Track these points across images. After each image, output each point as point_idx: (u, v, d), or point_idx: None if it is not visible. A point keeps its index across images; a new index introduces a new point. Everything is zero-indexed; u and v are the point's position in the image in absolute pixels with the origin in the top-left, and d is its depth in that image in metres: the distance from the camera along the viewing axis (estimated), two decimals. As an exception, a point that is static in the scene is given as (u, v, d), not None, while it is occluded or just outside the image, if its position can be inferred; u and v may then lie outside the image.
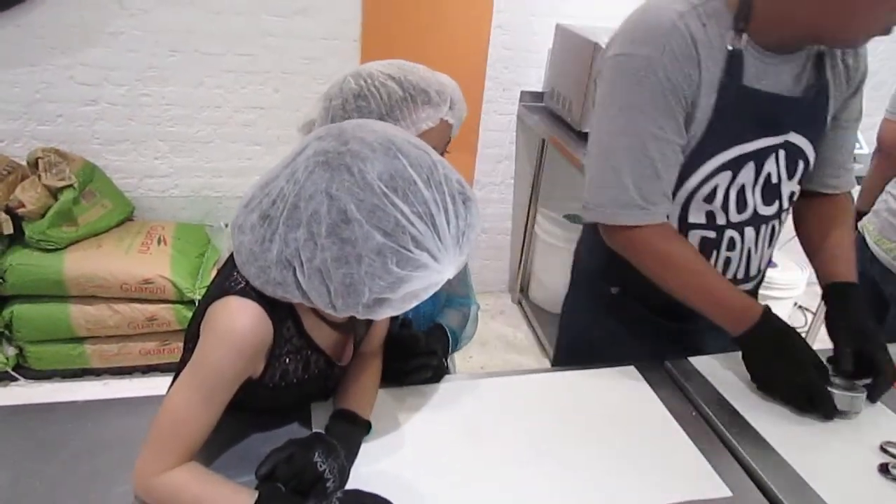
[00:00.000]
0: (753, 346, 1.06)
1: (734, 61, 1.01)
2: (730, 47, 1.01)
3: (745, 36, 1.01)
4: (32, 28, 2.28)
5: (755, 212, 1.13)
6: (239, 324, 0.78)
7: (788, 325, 1.06)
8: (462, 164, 2.87)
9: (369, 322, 1.00)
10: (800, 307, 3.29)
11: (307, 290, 0.73)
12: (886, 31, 0.97)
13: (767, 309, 1.05)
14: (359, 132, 0.74)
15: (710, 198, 1.10)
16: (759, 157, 1.08)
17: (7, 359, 2.28)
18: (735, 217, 1.12)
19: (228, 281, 0.81)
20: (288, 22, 2.48)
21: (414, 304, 0.74)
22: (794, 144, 1.10)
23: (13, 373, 2.32)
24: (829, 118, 1.13)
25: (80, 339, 2.31)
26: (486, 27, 2.66)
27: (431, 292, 0.74)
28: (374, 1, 2.51)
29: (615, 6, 2.75)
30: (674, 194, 1.09)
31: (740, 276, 1.20)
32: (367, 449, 0.91)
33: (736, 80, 1.02)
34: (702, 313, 1.09)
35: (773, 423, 1.03)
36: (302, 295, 0.74)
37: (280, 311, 0.81)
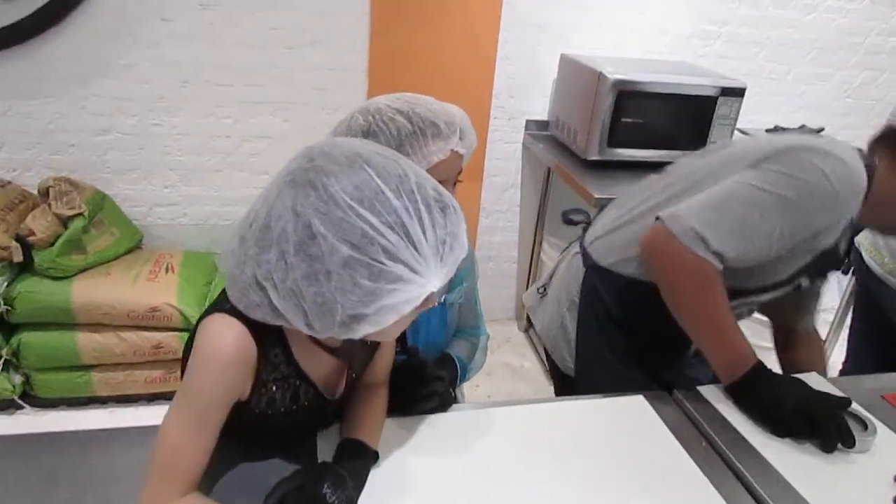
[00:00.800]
0: (745, 390, 1.10)
1: (849, 229, 1.16)
2: (853, 219, 1.13)
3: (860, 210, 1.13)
4: (48, 60, 2.33)
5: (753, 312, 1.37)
6: (220, 341, 0.77)
7: (777, 374, 1.12)
8: (468, 192, 2.89)
9: (371, 353, 0.99)
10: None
11: (283, 312, 0.71)
12: None
13: (761, 362, 1.11)
14: (326, 148, 0.73)
15: (750, 307, 1.32)
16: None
17: (14, 387, 2.28)
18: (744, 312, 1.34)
19: (220, 301, 0.80)
20: (297, 54, 2.52)
21: (394, 318, 0.71)
22: (800, 285, 1.26)
23: (19, 401, 2.32)
24: None
25: (86, 367, 2.31)
26: (492, 57, 2.70)
27: (413, 306, 0.71)
28: (381, 33, 2.55)
29: (618, 37, 2.80)
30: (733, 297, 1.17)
31: None
32: (374, 478, 0.91)
33: (839, 243, 1.16)
34: (703, 348, 1.14)
35: (784, 453, 1.02)
36: (279, 317, 0.72)
37: (268, 335, 0.80)
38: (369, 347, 0.98)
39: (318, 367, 0.90)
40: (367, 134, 0.99)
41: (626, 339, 1.32)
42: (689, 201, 1.13)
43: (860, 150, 1.15)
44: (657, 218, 1.14)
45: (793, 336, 1.42)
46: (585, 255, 1.36)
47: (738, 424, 1.08)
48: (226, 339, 0.77)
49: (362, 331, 0.71)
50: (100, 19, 2.31)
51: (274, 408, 0.87)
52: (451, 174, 1.06)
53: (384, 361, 1.02)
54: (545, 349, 1.50)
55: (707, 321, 1.13)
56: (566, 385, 1.45)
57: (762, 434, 1.06)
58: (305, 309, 0.70)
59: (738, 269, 1.13)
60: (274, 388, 0.86)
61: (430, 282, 0.71)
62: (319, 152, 0.73)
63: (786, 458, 1.01)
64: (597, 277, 1.32)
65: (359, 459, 0.89)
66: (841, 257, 1.23)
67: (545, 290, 1.52)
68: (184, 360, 0.87)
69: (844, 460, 1.01)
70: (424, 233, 0.70)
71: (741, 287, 1.19)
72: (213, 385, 0.78)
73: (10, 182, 2.38)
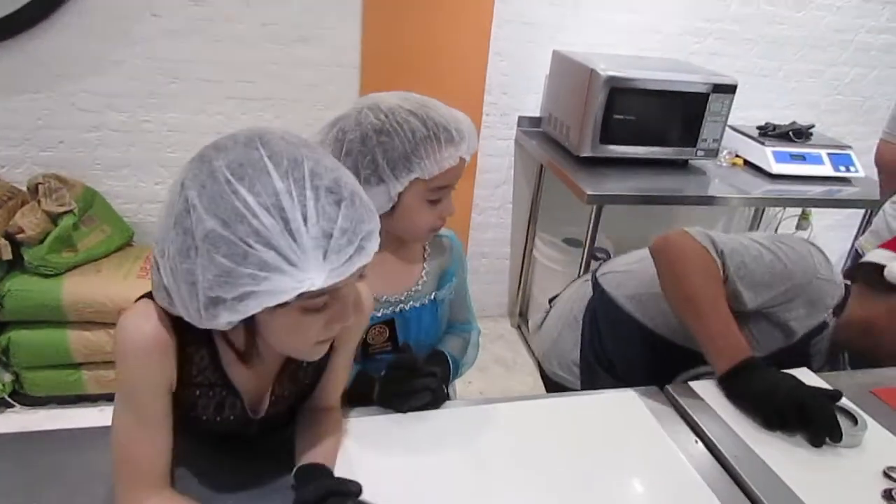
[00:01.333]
0: (737, 381, 1.11)
1: (818, 329, 1.22)
2: (824, 319, 1.21)
3: (834, 319, 1.22)
4: (37, 56, 2.31)
5: None
6: (130, 327, 0.73)
7: (769, 366, 1.13)
8: (461, 189, 2.86)
9: (316, 375, 0.94)
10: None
11: (175, 300, 0.69)
12: None
13: (755, 355, 1.13)
14: (243, 130, 0.71)
15: None
16: None
17: (3, 385, 2.26)
18: None
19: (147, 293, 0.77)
20: (288, 50, 2.51)
21: (256, 308, 0.65)
22: None
23: (9, 399, 2.30)
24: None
25: (76, 365, 2.30)
26: (485, 54, 2.69)
27: (285, 298, 0.65)
28: (373, 28, 2.54)
29: (609, 34, 2.80)
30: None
31: None
32: (367, 474, 0.90)
33: (804, 337, 1.23)
34: (699, 335, 1.16)
35: (774, 448, 1.02)
36: (171, 302, 0.69)
37: (193, 334, 0.74)
38: (309, 371, 0.92)
39: (248, 379, 0.84)
40: (381, 133, 0.98)
41: (615, 364, 1.39)
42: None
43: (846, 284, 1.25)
44: None
45: None
46: (596, 283, 1.44)
47: (729, 420, 1.08)
48: (141, 328, 0.73)
49: (223, 318, 0.66)
50: (90, 15, 2.29)
51: (197, 413, 0.83)
52: (456, 179, 1.06)
53: (333, 385, 0.96)
54: (540, 366, 1.55)
55: (709, 306, 1.15)
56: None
57: (753, 429, 1.06)
58: (180, 289, 0.67)
59: None
60: (198, 392, 0.81)
61: (307, 276, 0.64)
62: (232, 132, 0.70)
63: (776, 453, 1.01)
64: (600, 303, 1.41)
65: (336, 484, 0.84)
66: (809, 360, 1.27)
67: (550, 307, 1.60)
68: None
69: (834, 455, 1.02)
70: (306, 221, 0.64)
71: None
72: (136, 373, 0.74)
73: (-2, 179, 2.36)
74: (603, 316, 1.41)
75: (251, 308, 0.65)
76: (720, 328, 1.14)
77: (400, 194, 1.02)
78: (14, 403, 2.32)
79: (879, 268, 1.20)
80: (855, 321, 1.22)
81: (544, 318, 1.58)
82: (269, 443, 0.93)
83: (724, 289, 1.17)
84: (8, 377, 2.27)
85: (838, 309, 1.22)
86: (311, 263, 0.65)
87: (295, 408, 0.96)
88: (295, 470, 0.86)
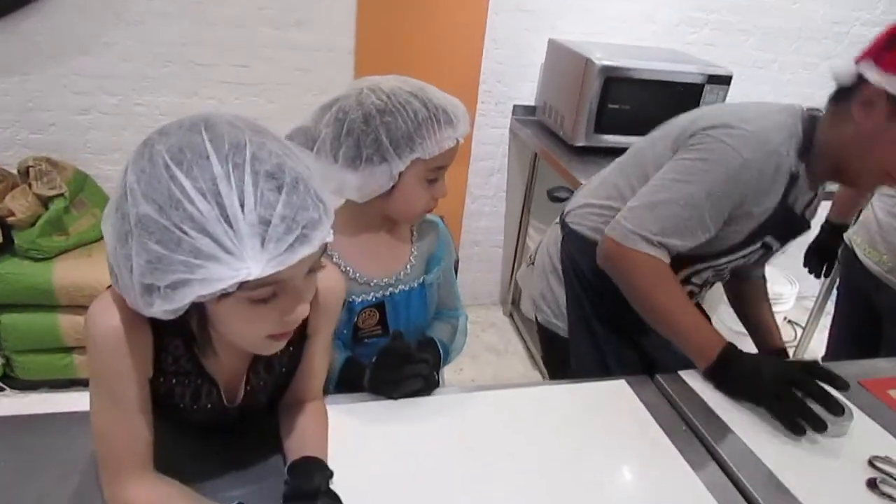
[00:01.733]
0: (721, 372, 1.13)
1: (792, 183, 1.19)
2: (793, 170, 1.18)
3: (803, 164, 1.19)
4: (27, 36, 2.28)
5: (725, 278, 1.45)
6: (99, 317, 0.72)
7: (748, 353, 1.15)
8: (455, 176, 2.87)
9: (292, 365, 0.92)
10: (789, 321, 3.31)
11: (118, 280, 0.67)
12: (893, 181, 1.15)
13: (731, 343, 1.15)
14: (187, 116, 0.68)
15: (718, 271, 1.35)
16: (759, 248, 1.30)
17: (-6, 368, 2.26)
18: (713, 279, 1.41)
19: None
20: (282, 34, 2.49)
21: (190, 297, 0.63)
22: (773, 249, 1.35)
23: (1, 383, 2.30)
24: None
25: (68, 349, 2.29)
26: (480, 41, 2.68)
27: (221, 287, 0.62)
28: (368, 13, 2.52)
29: (606, 23, 2.79)
30: (697, 263, 1.29)
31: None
32: (357, 460, 0.91)
33: (786, 200, 1.21)
34: (673, 338, 1.19)
35: (762, 437, 1.04)
36: (123, 291, 0.67)
37: (167, 322, 0.70)
38: (285, 361, 0.91)
39: (222, 368, 0.84)
40: (384, 113, 0.99)
41: (602, 302, 1.38)
42: (626, 207, 1.23)
43: (809, 110, 1.22)
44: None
45: (741, 282, 1.56)
46: (564, 224, 1.46)
47: (717, 408, 1.09)
48: (107, 316, 0.71)
49: (157, 306, 0.64)
50: (81, -5, 2.26)
51: (173, 401, 0.82)
52: (452, 160, 1.09)
53: (311, 377, 0.95)
54: (535, 317, 1.54)
55: (668, 313, 1.18)
56: (556, 348, 1.49)
57: (741, 418, 1.07)
58: (121, 276, 0.66)
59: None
60: (174, 380, 0.80)
61: (243, 265, 0.61)
62: (182, 118, 0.68)
63: (764, 441, 1.02)
64: (572, 243, 1.42)
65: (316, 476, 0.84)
66: (802, 219, 1.30)
67: (532, 261, 1.60)
68: None
69: (821, 444, 1.03)
70: (243, 207, 0.61)
71: (699, 254, 1.25)
72: (109, 367, 0.73)
73: (-12, 161, 2.34)
74: (579, 252, 1.40)
75: (186, 296, 0.62)
76: (690, 328, 1.17)
77: (401, 174, 1.04)
78: (5, 387, 2.32)
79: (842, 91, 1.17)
80: (824, 148, 1.18)
81: (530, 273, 1.59)
82: (251, 429, 0.94)
83: (674, 279, 1.20)
84: (-1, 361, 2.27)
85: (804, 150, 1.19)
86: (248, 252, 0.61)
87: (275, 398, 0.95)
88: (288, 465, 0.85)
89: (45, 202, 2.23)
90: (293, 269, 0.65)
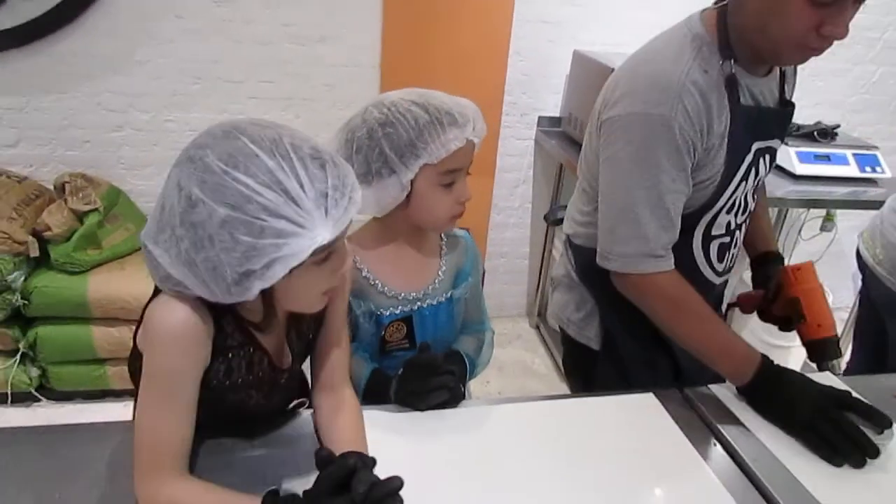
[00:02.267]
0: (757, 393, 1.10)
1: (731, 87, 1.10)
2: (723, 74, 1.09)
3: (732, 61, 1.09)
4: (63, 57, 2.35)
5: (749, 210, 1.28)
6: (173, 317, 0.78)
7: (785, 368, 1.11)
8: (480, 188, 2.88)
9: (316, 328, 1.00)
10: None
11: (187, 283, 0.75)
12: (814, 49, 1.04)
13: (766, 357, 1.11)
14: (209, 127, 0.77)
15: (730, 208, 1.20)
16: (756, 161, 1.19)
17: (30, 379, 2.31)
18: (740, 219, 1.26)
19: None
20: (309, 50, 2.53)
21: (283, 271, 0.72)
22: (774, 149, 1.25)
23: (36, 393, 2.35)
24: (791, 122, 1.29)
25: (101, 361, 2.34)
26: (504, 53, 2.69)
27: (304, 256, 0.73)
28: (393, 28, 2.55)
29: (631, 33, 2.77)
30: (703, 214, 1.19)
31: (730, 265, 1.34)
32: (382, 471, 0.91)
33: (737, 103, 1.11)
34: (704, 360, 1.14)
35: (796, 452, 1.01)
36: (188, 289, 0.76)
37: (219, 306, 0.80)
38: (312, 325, 1.00)
39: (269, 337, 0.92)
40: (385, 125, 1.01)
41: (617, 310, 1.31)
42: (600, 232, 1.17)
43: (714, 5, 1.13)
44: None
45: None
46: (566, 236, 1.42)
47: (748, 423, 1.07)
48: (176, 314, 0.79)
49: (255, 287, 0.73)
50: (115, 16, 2.33)
51: (232, 377, 0.89)
52: (466, 162, 1.07)
53: (334, 354, 1.01)
54: (560, 328, 1.49)
55: (696, 333, 1.15)
56: (581, 360, 1.44)
57: (773, 433, 1.05)
58: (202, 277, 0.73)
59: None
60: (230, 355, 0.88)
61: (317, 233, 0.73)
62: (201, 134, 0.77)
63: (797, 456, 1.00)
64: (575, 254, 1.38)
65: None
66: (781, 106, 1.21)
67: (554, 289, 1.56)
68: (134, 349, 0.91)
69: (869, 460, 1.00)
70: (303, 188, 0.72)
71: (701, 204, 1.18)
72: (176, 361, 0.80)
73: (26, 177, 2.41)
74: (583, 261, 1.34)
75: (278, 273, 0.72)
76: (717, 350, 1.13)
77: (413, 182, 1.04)
78: (41, 398, 2.37)
79: None
80: (743, 40, 1.09)
81: (553, 294, 1.54)
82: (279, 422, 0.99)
83: (691, 292, 1.13)
84: (35, 372, 2.32)
85: (725, 48, 1.09)
86: (318, 221, 0.73)
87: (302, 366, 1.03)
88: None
89: (80, 217, 2.29)
90: (347, 228, 0.78)
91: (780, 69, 1.20)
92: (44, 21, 2.26)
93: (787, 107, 1.24)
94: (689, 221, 1.18)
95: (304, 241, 0.72)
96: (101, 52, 2.38)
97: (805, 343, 1.32)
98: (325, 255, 0.79)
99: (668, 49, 1.11)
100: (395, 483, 0.75)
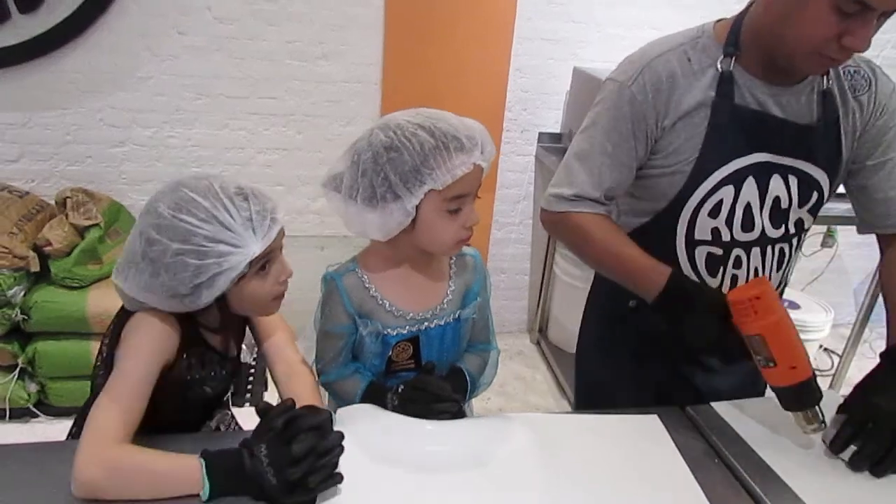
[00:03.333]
0: (665, 306, 1.09)
1: (724, 81, 1.09)
2: (720, 68, 1.09)
3: (733, 60, 1.09)
4: (65, 73, 2.37)
5: (763, 232, 1.16)
6: (147, 316, 0.99)
7: (695, 284, 1.13)
8: (480, 204, 2.87)
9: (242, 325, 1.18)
10: (825, 350, 3.22)
11: (153, 303, 0.96)
12: (832, 60, 0.99)
13: (675, 273, 1.10)
14: (162, 187, 0.98)
15: (714, 212, 1.14)
16: (760, 174, 1.11)
17: (29, 395, 2.30)
18: (742, 236, 1.15)
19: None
20: (311, 66, 2.54)
21: (226, 284, 0.94)
22: (806, 173, 1.13)
23: (34, 409, 2.34)
24: (844, 153, 1.15)
25: (100, 377, 2.33)
26: (505, 70, 2.71)
27: (241, 268, 0.94)
28: (394, 46, 2.57)
29: (630, 49, 2.79)
30: (680, 209, 1.15)
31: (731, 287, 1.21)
32: (378, 484, 0.90)
33: (728, 98, 1.09)
34: (619, 282, 1.17)
35: (799, 471, 1.00)
36: (158, 306, 0.97)
37: (181, 315, 1.01)
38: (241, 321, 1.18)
39: (217, 337, 1.10)
40: (390, 149, 0.99)
41: (612, 324, 1.35)
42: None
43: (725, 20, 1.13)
44: None
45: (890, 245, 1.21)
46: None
47: (751, 441, 1.06)
48: (155, 315, 0.99)
49: (204, 297, 0.94)
50: (118, 33, 2.35)
51: (192, 373, 1.06)
52: (473, 187, 1.05)
53: (276, 336, 1.18)
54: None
55: (602, 260, 1.18)
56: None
57: (776, 450, 1.04)
58: (161, 297, 0.95)
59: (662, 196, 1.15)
60: (188, 354, 1.04)
61: (249, 249, 0.95)
62: (157, 191, 0.99)
63: (801, 475, 0.99)
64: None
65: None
66: (787, 123, 1.11)
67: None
68: (100, 356, 1.11)
69: (866, 478, 0.99)
70: (232, 217, 0.94)
71: (674, 197, 1.14)
72: (150, 362, 0.96)
73: (28, 192, 2.42)
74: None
75: (223, 283, 0.94)
76: (624, 270, 1.15)
77: (418, 208, 1.02)
78: (38, 413, 2.35)
79: None
80: (754, 43, 1.07)
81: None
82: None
83: (595, 227, 1.15)
84: (33, 388, 2.31)
85: (730, 47, 1.08)
86: (247, 240, 0.95)
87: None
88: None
89: (80, 232, 2.29)
90: (274, 242, 0.99)
91: (820, 87, 1.12)
92: (47, 38, 2.28)
93: (822, 125, 1.12)
94: (670, 215, 1.16)
95: (239, 257, 0.94)
96: (104, 68, 2.39)
97: (777, 389, 1.03)
98: (262, 265, 0.99)
99: (671, 36, 1.15)
100: (324, 416, 0.91)
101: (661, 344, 1.20)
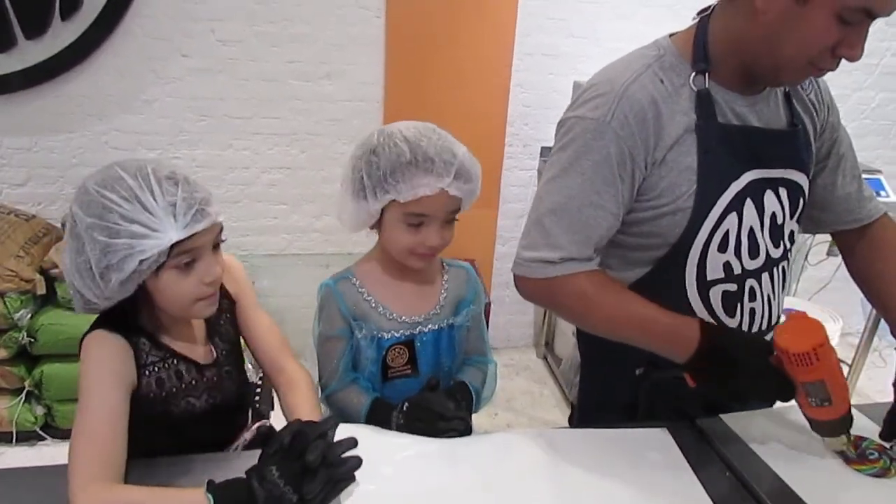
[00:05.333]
0: (703, 366, 0.96)
1: (703, 102, 1.01)
2: (694, 88, 1.01)
3: (706, 76, 1.01)
4: (71, 97, 2.39)
5: (767, 255, 1.10)
6: (94, 343, 0.97)
7: (730, 333, 1.03)
8: (484, 219, 2.89)
9: (237, 332, 1.17)
10: (834, 359, 3.19)
11: (82, 290, 0.93)
12: (821, 70, 0.96)
13: (706, 326, 0.97)
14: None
15: (723, 246, 1.05)
16: (755, 193, 1.05)
17: (36, 418, 2.30)
18: (750, 264, 1.08)
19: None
20: (313, 86, 2.57)
21: (134, 265, 0.89)
22: (793, 182, 1.09)
23: (41, 432, 2.34)
24: (813, 152, 1.14)
25: (107, 398, 2.32)
26: (506, 86, 2.72)
27: (154, 252, 0.89)
28: (396, 64, 2.59)
29: (632, 63, 2.81)
30: (687, 250, 1.05)
31: (764, 326, 1.14)
32: (383, 498, 0.90)
33: (711, 119, 1.01)
34: (636, 344, 1.01)
35: (812, 482, 0.99)
36: (86, 292, 0.93)
37: (131, 331, 0.99)
38: (229, 328, 1.16)
39: (184, 346, 1.07)
40: (373, 152, 1.06)
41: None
42: (522, 234, 1.09)
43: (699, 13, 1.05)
44: None
45: (860, 239, 1.21)
46: None
47: (763, 454, 1.05)
48: (97, 340, 0.97)
49: (114, 279, 0.89)
50: (123, 56, 2.38)
51: (165, 387, 1.02)
52: (438, 211, 1.08)
53: (266, 340, 1.17)
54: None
55: (613, 327, 1.02)
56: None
57: (788, 461, 1.03)
58: (84, 279, 0.91)
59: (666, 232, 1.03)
60: (155, 368, 1.02)
61: (166, 235, 0.90)
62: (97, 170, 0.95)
63: (813, 487, 0.98)
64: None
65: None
66: (788, 129, 1.08)
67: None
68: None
69: (879, 489, 0.98)
70: (155, 199, 0.90)
71: (677, 239, 1.04)
72: (102, 376, 0.93)
73: (34, 216, 2.43)
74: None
75: (131, 266, 0.89)
76: (645, 335, 1.00)
77: (383, 210, 1.09)
78: (45, 436, 2.35)
79: None
80: (728, 56, 1.01)
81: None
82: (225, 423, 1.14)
83: (597, 286, 1.01)
84: (40, 410, 2.31)
85: (699, 62, 1.01)
86: (166, 226, 0.90)
87: (241, 378, 1.18)
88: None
89: (86, 254, 2.30)
90: (201, 237, 0.94)
91: (782, 90, 1.09)
92: (53, 63, 2.30)
93: (794, 129, 1.09)
94: (675, 260, 1.06)
95: (153, 242, 0.89)
96: (110, 91, 2.42)
97: (820, 423, 1.00)
98: (186, 259, 0.94)
99: (626, 59, 1.06)
100: (350, 442, 0.89)
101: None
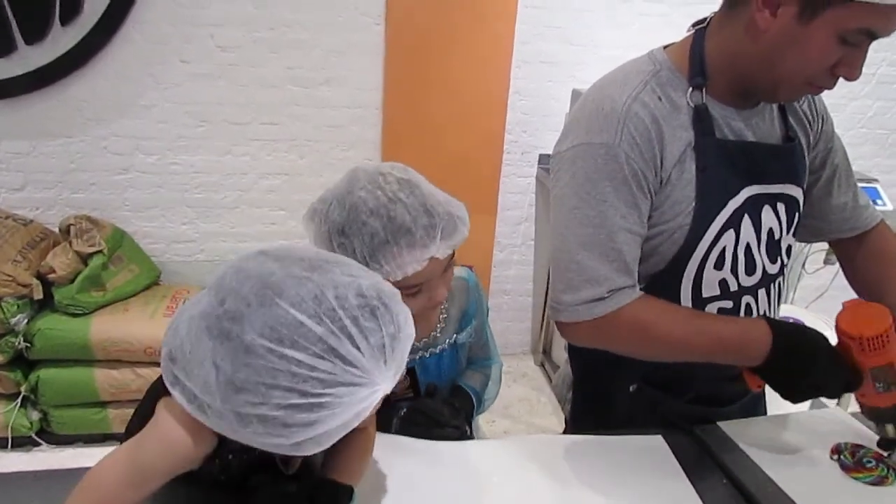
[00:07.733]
0: (778, 365, 0.94)
1: (700, 117, 0.99)
2: (692, 104, 0.99)
3: (703, 91, 1.00)
4: (70, 102, 2.39)
5: (764, 271, 1.08)
6: (179, 434, 0.71)
7: (796, 326, 0.98)
8: (483, 226, 2.89)
9: None
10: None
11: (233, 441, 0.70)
12: (819, 88, 0.96)
13: (774, 323, 0.95)
14: (234, 283, 0.68)
15: (719, 263, 1.03)
16: (753, 209, 1.04)
17: (31, 423, 2.29)
18: (747, 281, 1.06)
19: None
20: (312, 92, 2.57)
21: (342, 433, 0.67)
22: (790, 196, 1.08)
23: (36, 437, 2.33)
24: (807, 165, 1.13)
25: (103, 404, 2.32)
26: (504, 94, 2.73)
27: (363, 418, 0.67)
28: (395, 70, 2.60)
29: (630, 71, 2.82)
30: (683, 267, 1.03)
31: None
32: (375, 499, 0.90)
33: (710, 136, 1.00)
34: (706, 360, 0.98)
35: (809, 490, 0.99)
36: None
37: None
38: None
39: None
40: (341, 234, 0.93)
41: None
42: (550, 282, 1.03)
43: (694, 26, 1.04)
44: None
45: (857, 247, 1.20)
46: None
47: (761, 462, 1.05)
48: (184, 433, 0.72)
49: (313, 450, 0.67)
50: (122, 62, 2.38)
51: (228, 474, 0.80)
52: (434, 274, 0.97)
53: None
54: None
55: (677, 348, 0.98)
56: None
57: (785, 469, 1.03)
58: (250, 440, 0.67)
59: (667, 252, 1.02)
60: (231, 456, 0.79)
61: (378, 387, 0.67)
62: (228, 291, 0.67)
63: (811, 494, 0.98)
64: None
65: (331, 495, 0.83)
66: (784, 143, 1.07)
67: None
68: (142, 405, 0.84)
69: (877, 498, 0.98)
70: (359, 348, 0.65)
71: (673, 256, 1.02)
72: (164, 465, 0.73)
73: (32, 220, 2.43)
74: None
75: (337, 436, 0.67)
76: (711, 347, 0.97)
77: None
78: (41, 442, 2.34)
79: None
80: (724, 71, 0.99)
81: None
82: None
83: (652, 312, 0.98)
84: (35, 416, 2.30)
85: (695, 76, 0.99)
86: (377, 377, 0.66)
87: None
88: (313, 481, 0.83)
89: (84, 259, 2.30)
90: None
91: (758, 104, 1.07)
92: (52, 68, 2.31)
93: (789, 143, 1.08)
94: (671, 277, 1.04)
95: (363, 402, 0.66)
96: (108, 96, 2.42)
97: (883, 409, 0.99)
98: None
99: (621, 75, 1.03)
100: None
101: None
